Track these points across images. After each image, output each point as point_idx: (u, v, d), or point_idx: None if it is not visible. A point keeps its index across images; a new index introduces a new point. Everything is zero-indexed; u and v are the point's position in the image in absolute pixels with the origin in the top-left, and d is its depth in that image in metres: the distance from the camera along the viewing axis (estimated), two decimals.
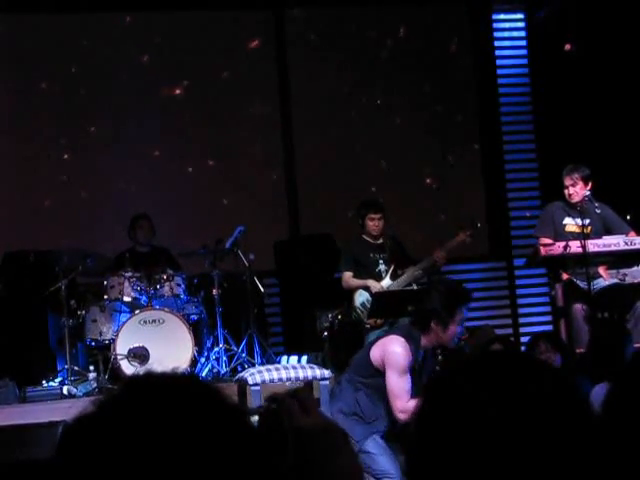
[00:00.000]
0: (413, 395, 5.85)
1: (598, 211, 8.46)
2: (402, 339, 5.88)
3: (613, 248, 8.30)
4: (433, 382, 1.61)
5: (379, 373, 5.90)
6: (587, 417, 1.49)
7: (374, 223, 8.99)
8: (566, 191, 8.56)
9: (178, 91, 10.94)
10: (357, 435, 5.85)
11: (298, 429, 1.91)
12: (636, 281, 8.62)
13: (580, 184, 8.48)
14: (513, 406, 1.47)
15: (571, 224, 8.51)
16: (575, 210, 8.51)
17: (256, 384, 5.96)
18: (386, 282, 8.82)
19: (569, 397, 1.50)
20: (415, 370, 5.93)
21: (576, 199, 8.48)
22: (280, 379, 6.08)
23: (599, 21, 10.65)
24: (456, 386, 1.53)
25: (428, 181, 11.33)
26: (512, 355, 1.61)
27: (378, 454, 5.80)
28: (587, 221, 8.50)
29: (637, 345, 7.71)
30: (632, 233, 8.51)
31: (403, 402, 5.82)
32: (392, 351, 5.86)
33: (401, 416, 5.82)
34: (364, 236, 9.06)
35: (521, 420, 1.45)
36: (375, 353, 5.94)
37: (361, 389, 5.93)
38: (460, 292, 6.07)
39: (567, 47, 10.00)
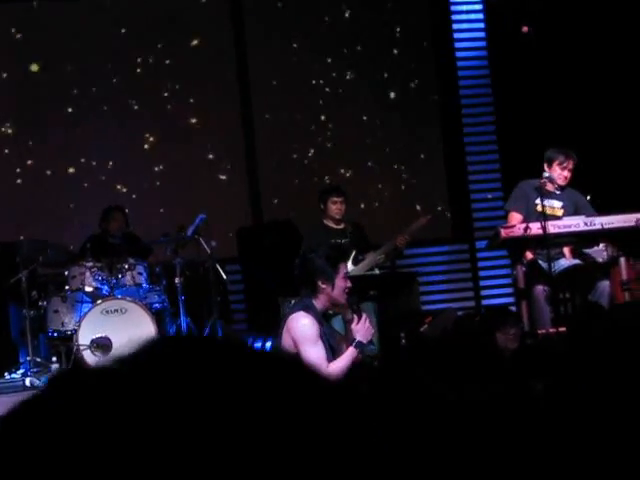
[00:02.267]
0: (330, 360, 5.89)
1: (572, 195, 8.56)
2: (302, 312, 5.90)
3: (573, 229, 8.35)
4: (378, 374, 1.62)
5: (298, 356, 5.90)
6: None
7: (336, 207, 9.01)
8: (561, 173, 8.57)
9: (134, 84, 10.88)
10: None
11: None
12: (598, 261, 8.70)
13: (571, 168, 8.59)
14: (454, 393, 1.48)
15: (546, 205, 8.55)
16: (550, 192, 8.56)
17: None
18: (348, 267, 8.82)
19: None
20: (325, 341, 5.93)
21: (565, 182, 8.57)
22: None
23: (556, 3, 10.69)
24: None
25: (395, 167, 11.34)
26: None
27: None
28: (561, 204, 8.57)
29: None
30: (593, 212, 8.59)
31: (323, 369, 5.81)
32: (298, 326, 5.86)
33: None
34: (325, 221, 9.07)
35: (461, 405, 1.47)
36: (285, 340, 5.94)
37: None
38: (337, 247, 6.17)
39: (524, 29, 10.03)
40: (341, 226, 9.06)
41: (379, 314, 8.60)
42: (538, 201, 8.50)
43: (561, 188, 8.62)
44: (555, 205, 8.59)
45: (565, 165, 8.58)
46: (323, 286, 5.96)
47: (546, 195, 8.53)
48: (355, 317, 6.04)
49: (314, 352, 5.84)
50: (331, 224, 9.05)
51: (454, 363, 1.64)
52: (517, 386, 1.60)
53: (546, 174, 8.56)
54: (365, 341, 5.99)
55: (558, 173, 8.59)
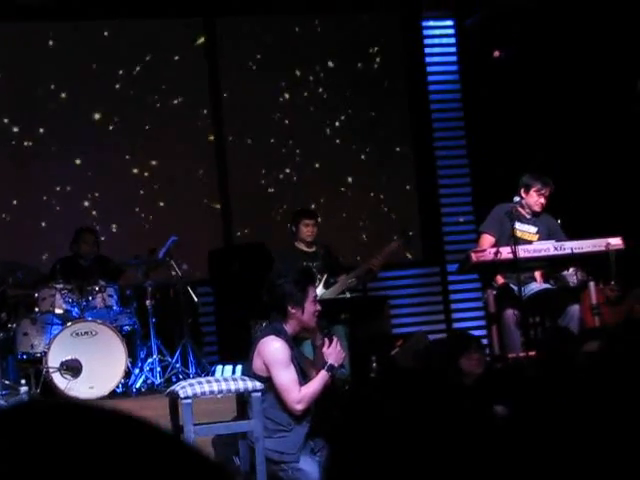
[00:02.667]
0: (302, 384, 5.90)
1: (546, 220, 8.59)
2: (273, 336, 5.91)
3: (543, 253, 8.38)
4: (348, 399, 1.62)
5: (269, 380, 5.91)
6: (489, 430, 1.51)
7: (308, 229, 9.01)
8: (538, 199, 8.56)
9: (99, 114, 10.85)
10: (290, 449, 5.87)
11: None
12: (569, 285, 8.74)
13: (547, 195, 8.60)
14: (421, 422, 1.48)
15: (521, 230, 8.57)
16: (526, 217, 8.59)
17: (187, 397, 5.91)
18: (319, 290, 8.82)
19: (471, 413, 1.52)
20: (296, 365, 5.94)
21: (541, 209, 8.58)
22: (212, 392, 6.04)
23: (527, 28, 10.76)
24: (369, 403, 1.54)
25: (366, 190, 11.35)
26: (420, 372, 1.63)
27: (310, 469, 5.80)
28: (536, 229, 8.60)
29: None
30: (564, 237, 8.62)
31: (295, 393, 5.84)
32: (269, 350, 5.87)
33: (298, 407, 5.84)
34: (297, 244, 9.07)
35: (427, 434, 1.47)
36: (256, 364, 5.95)
37: (266, 403, 5.95)
38: (305, 271, 6.29)
39: (496, 54, 10.10)
40: (312, 249, 9.06)
41: (350, 337, 8.59)
42: (516, 225, 8.53)
43: (537, 214, 8.64)
44: (530, 230, 8.61)
45: (542, 192, 8.58)
46: (293, 311, 5.95)
47: (522, 220, 8.57)
48: (326, 340, 6.04)
49: (286, 376, 5.85)
50: (302, 247, 9.05)
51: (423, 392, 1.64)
52: (480, 411, 1.60)
53: (519, 199, 8.55)
54: (337, 364, 5.98)
55: (535, 200, 8.59)
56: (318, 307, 6.06)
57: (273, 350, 5.87)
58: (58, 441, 1.04)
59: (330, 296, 8.78)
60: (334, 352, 5.96)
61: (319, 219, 9.33)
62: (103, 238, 10.00)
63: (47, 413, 1.08)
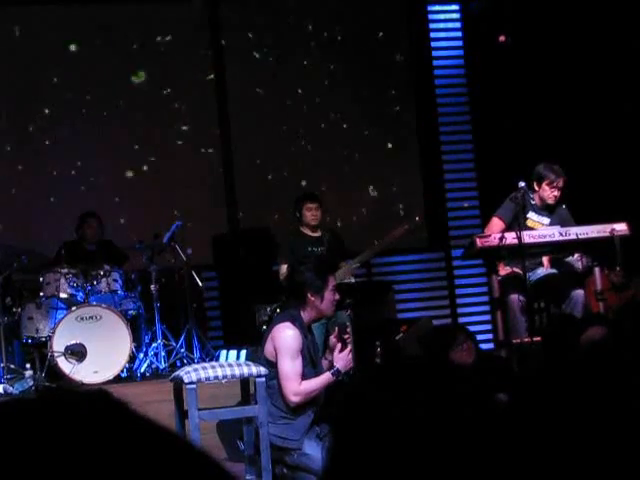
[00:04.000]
0: (306, 378, 5.92)
1: (560, 212, 8.55)
2: (288, 323, 5.93)
3: (548, 239, 8.35)
4: (348, 393, 1.61)
5: (277, 366, 5.94)
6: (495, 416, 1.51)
7: (312, 213, 8.96)
8: (551, 192, 8.48)
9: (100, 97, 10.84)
10: (293, 436, 5.89)
11: None
12: (572, 270, 8.72)
13: (561, 187, 8.53)
14: (422, 410, 1.48)
15: (534, 219, 8.53)
16: (540, 207, 8.54)
17: (191, 382, 5.92)
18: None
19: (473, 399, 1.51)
20: (307, 354, 5.95)
21: (554, 201, 8.51)
22: (216, 377, 6.04)
23: (533, 13, 10.73)
24: (369, 395, 1.54)
25: (372, 176, 11.34)
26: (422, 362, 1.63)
27: (315, 454, 5.82)
28: (548, 220, 8.55)
29: None
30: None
31: (295, 385, 5.85)
32: (282, 337, 5.89)
33: (294, 399, 5.86)
34: (302, 229, 9.04)
35: (429, 421, 1.46)
36: (268, 348, 5.98)
37: (272, 389, 5.97)
38: (327, 260, 6.32)
39: (501, 38, 10.06)
40: (318, 234, 9.03)
41: (355, 323, 8.58)
42: (529, 215, 8.49)
43: (551, 206, 8.57)
44: (544, 221, 8.56)
45: (555, 184, 8.50)
46: (312, 298, 5.98)
47: (536, 210, 8.53)
48: (339, 345, 6.04)
49: (291, 366, 5.87)
50: (308, 232, 9.02)
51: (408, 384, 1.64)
52: (480, 400, 1.60)
53: (524, 184, 8.46)
54: (344, 371, 5.99)
55: (548, 193, 8.49)
56: (337, 296, 6.09)
57: (285, 337, 5.89)
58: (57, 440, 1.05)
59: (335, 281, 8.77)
60: (344, 359, 5.98)
61: (322, 203, 9.29)
62: (108, 223, 9.99)
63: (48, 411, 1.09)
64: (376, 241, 9.00)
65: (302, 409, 5.94)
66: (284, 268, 8.90)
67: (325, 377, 5.95)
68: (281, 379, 5.89)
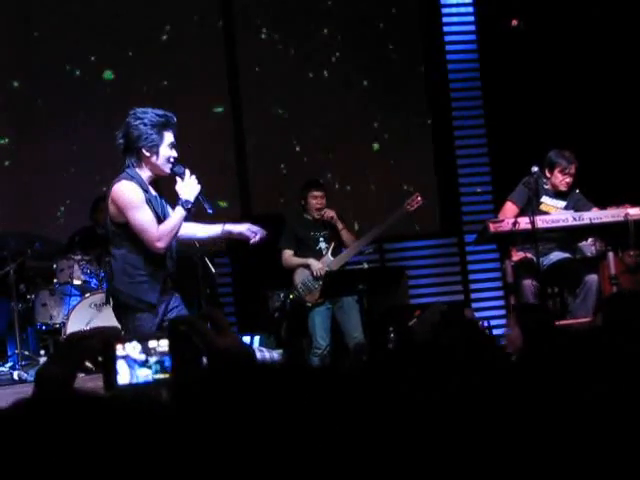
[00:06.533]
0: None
1: (575, 197, 8.53)
2: (122, 180, 5.70)
3: (562, 224, 8.33)
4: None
5: (126, 225, 5.70)
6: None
7: (317, 201, 8.97)
8: (563, 179, 8.46)
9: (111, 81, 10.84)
10: (147, 296, 5.72)
11: (214, 349, 1.86)
12: (586, 256, 8.70)
13: (573, 173, 8.51)
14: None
15: (548, 203, 8.51)
16: (554, 192, 8.52)
17: None
18: (327, 259, 8.82)
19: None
20: (152, 210, 5.72)
21: (567, 188, 8.49)
22: None
23: None
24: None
25: (383, 159, 11.32)
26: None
27: (147, 327, 5.63)
28: (564, 204, 8.53)
29: (584, 320, 7.75)
30: (594, 209, 8.53)
31: (154, 231, 5.64)
32: (121, 192, 5.66)
33: (158, 244, 5.65)
34: (305, 215, 9.05)
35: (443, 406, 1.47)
36: (111, 211, 5.74)
37: (124, 249, 5.75)
38: (164, 115, 5.85)
39: (514, 22, 10.03)
40: (319, 216, 9.01)
41: (368, 308, 8.59)
42: (543, 199, 8.47)
43: (564, 192, 8.55)
44: (559, 205, 8.54)
45: (567, 171, 8.48)
46: (147, 154, 5.75)
47: (551, 194, 8.51)
48: (178, 179, 5.80)
49: (141, 215, 5.64)
50: (310, 217, 9.02)
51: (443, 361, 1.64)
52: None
53: (537, 169, 8.43)
54: (191, 198, 5.70)
55: (560, 180, 8.47)
56: (174, 153, 5.82)
57: (125, 191, 5.66)
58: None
59: (339, 264, 8.77)
60: (185, 187, 5.73)
61: (327, 191, 9.28)
62: None
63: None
64: (377, 222, 8.95)
65: (156, 265, 5.74)
66: (286, 253, 8.93)
67: (177, 212, 5.71)
68: (139, 233, 5.64)
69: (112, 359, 1.96)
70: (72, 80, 10.68)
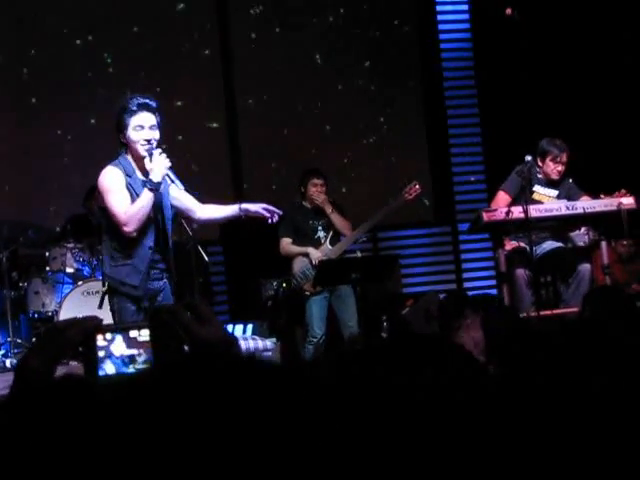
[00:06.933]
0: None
1: (567, 185, 8.53)
2: (107, 166, 5.86)
3: (555, 213, 8.33)
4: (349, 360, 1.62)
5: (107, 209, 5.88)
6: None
7: (317, 189, 8.95)
8: (555, 167, 8.44)
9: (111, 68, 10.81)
10: (130, 279, 5.82)
11: (195, 339, 1.86)
12: (578, 245, 8.71)
13: (565, 161, 8.50)
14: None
15: (540, 192, 8.51)
16: (546, 181, 8.52)
17: None
18: (325, 248, 8.81)
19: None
20: (133, 193, 5.80)
21: (559, 176, 8.48)
22: None
23: None
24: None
25: (377, 149, 11.32)
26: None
27: (127, 310, 5.78)
28: (556, 192, 8.53)
29: (574, 309, 7.76)
30: (585, 197, 8.54)
31: (122, 215, 5.74)
32: (101, 179, 5.83)
33: (126, 228, 5.73)
34: (304, 203, 9.04)
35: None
36: (98, 199, 5.96)
37: (107, 234, 5.90)
38: (132, 97, 5.90)
39: (508, 11, 10.00)
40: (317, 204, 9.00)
41: (361, 297, 8.59)
42: (535, 188, 8.47)
43: (556, 181, 8.55)
44: (551, 194, 8.54)
45: (559, 159, 8.48)
46: (124, 140, 5.87)
47: (541, 183, 8.51)
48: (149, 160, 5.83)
49: (114, 200, 5.76)
50: (309, 205, 9.01)
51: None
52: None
53: (530, 158, 8.43)
54: (159, 179, 5.73)
55: (551, 168, 8.47)
56: (145, 135, 5.82)
57: (104, 177, 5.83)
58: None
59: (337, 252, 8.76)
60: (152, 168, 5.76)
61: (327, 180, 9.27)
62: None
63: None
64: (377, 210, 8.94)
65: (140, 249, 5.83)
66: (284, 241, 8.92)
67: (144, 195, 5.74)
68: (111, 217, 5.79)
69: (93, 350, 1.95)
70: (73, 75, 10.65)
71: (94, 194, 9.52)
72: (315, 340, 8.60)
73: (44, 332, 1.89)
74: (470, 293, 11.04)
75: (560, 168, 8.47)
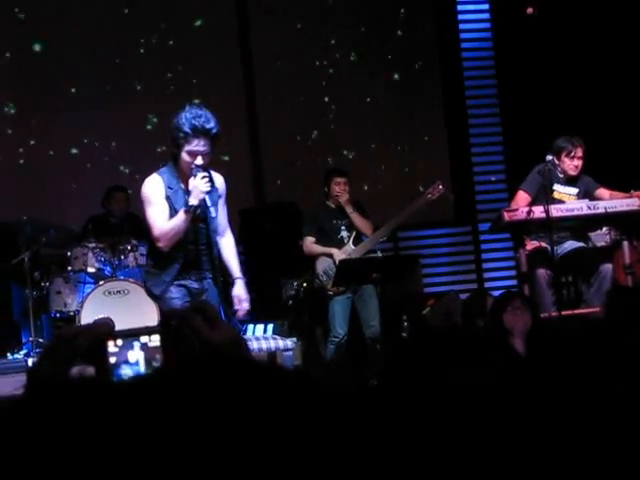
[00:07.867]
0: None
1: (585, 180, 8.50)
2: (152, 176, 5.90)
3: (576, 212, 8.32)
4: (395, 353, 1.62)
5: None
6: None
7: (339, 187, 8.96)
8: (570, 163, 8.44)
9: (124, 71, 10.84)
10: (157, 286, 6.01)
11: (206, 343, 1.86)
12: (600, 244, 8.68)
13: (581, 156, 8.48)
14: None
15: (560, 191, 8.49)
16: (565, 179, 8.50)
17: None
18: (348, 248, 8.81)
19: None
20: (171, 205, 5.86)
21: (576, 172, 8.46)
22: None
23: None
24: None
25: (398, 149, 11.31)
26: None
27: (175, 295, 5.93)
28: (576, 190, 8.51)
29: (596, 309, 7.73)
30: (601, 189, 8.52)
31: (156, 230, 5.81)
32: (142, 187, 5.90)
33: (158, 244, 5.82)
34: (328, 202, 9.04)
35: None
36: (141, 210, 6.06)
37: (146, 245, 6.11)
38: (194, 119, 5.82)
39: (529, 10, 10.01)
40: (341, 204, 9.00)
41: (381, 297, 8.58)
42: (555, 187, 8.45)
43: (574, 177, 8.53)
44: (571, 192, 8.52)
45: (573, 154, 8.45)
46: (175, 151, 5.89)
47: (561, 181, 8.49)
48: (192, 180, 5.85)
49: (152, 211, 5.83)
50: (333, 205, 9.02)
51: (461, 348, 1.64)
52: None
53: (551, 157, 8.41)
54: (196, 202, 5.75)
55: (567, 164, 8.46)
56: (197, 161, 5.81)
57: (145, 187, 5.89)
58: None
59: (360, 252, 8.76)
60: (192, 190, 5.77)
61: (350, 177, 9.27)
62: (134, 198, 9.99)
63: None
64: (400, 211, 8.94)
65: (171, 261, 5.91)
66: (308, 240, 8.92)
67: (179, 215, 5.78)
68: (147, 228, 5.90)
69: (104, 356, 1.94)
70: (93, 75, 10.68)
71: (114, 195, 9.60)
72: (337, 340, 8.61)
73: (53, 340, 1.88)
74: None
75: (576, 163, 8.45)
